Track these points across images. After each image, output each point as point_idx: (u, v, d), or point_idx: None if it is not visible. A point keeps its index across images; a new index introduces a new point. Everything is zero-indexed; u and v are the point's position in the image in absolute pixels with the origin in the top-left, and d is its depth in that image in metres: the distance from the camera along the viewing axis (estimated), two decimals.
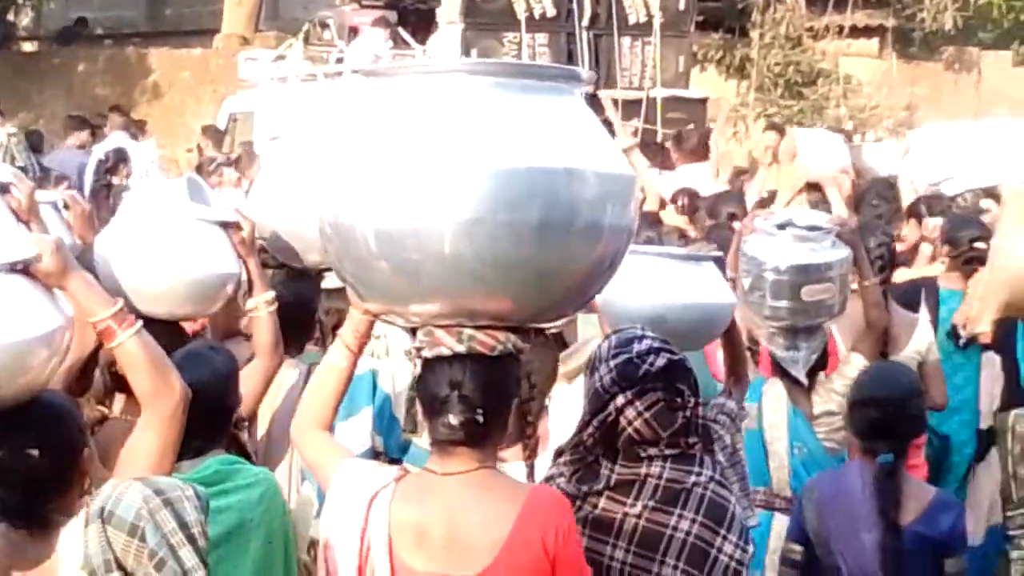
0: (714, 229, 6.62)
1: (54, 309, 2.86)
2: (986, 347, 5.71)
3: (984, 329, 5.55)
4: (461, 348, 2.75)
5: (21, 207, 3.91)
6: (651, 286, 4.01)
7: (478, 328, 2.77)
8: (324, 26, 13.27)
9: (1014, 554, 5.14)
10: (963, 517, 4.16)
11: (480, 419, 2.80)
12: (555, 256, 2.72)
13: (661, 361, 3.21)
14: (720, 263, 4.57)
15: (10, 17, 19.41)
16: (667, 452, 3.28)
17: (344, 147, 3.02)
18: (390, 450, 4.42)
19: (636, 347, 3.28)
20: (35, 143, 11.86)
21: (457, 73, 2.85)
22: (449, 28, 11.09)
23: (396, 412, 4.26)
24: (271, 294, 4.27)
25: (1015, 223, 4.94)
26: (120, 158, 10.97)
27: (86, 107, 14.81)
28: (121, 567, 2.62)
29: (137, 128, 13.39)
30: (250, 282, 4.34)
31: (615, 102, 10.72)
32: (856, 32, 15.51)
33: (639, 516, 3.25)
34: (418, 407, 2.94)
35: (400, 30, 12.32)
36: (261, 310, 4.25)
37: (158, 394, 3.02)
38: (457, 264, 2.66)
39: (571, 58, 11.23)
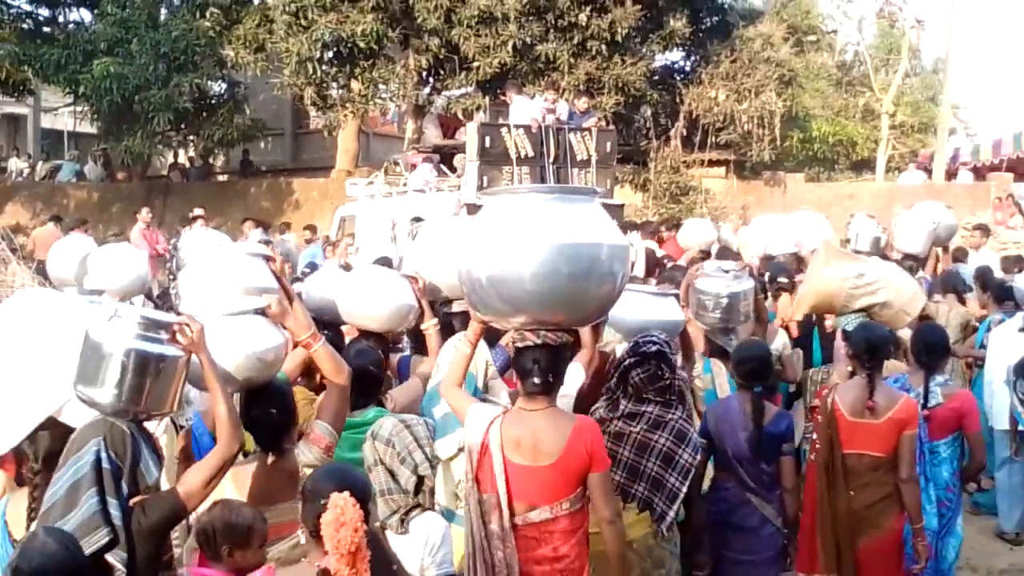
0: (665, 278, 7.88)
1: (278, 334, 3.97)
2: (797, 340, 7.22)
3: (798, 318, 7.14)
4: (539, 341, 3.79)
5: (278, 270, 4.44)
6: (638, 309, 5.17)
7: (548, 330, 3.82)
8: (396, 163, 16.37)
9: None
10: (791, 422, 5.33)
11: (550, 380, 3.86)
12: (590, 291, 3.79)
13: (653, 348, 4.49)
14: (676, 297, 5.75)
15: (211, 160, 24.61)
16: (656, 399, 4.48)
17: (472, 229, 4.12)
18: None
19: (643, 339, 4.54)
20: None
21: (532, 192, 4.10)
22: (471, 164, 13.85)
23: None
24: (435, 320, 5.44)
25: (819, 263, 6.43)
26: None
27: (255, 215, 18.60)
28: (382, 463, 3.78)
29: (281, 229, 17.30)
30: (421, 312, 5.48)
31: None
32: (712, 163, 20.54)
33: (638, 433, 4.47)
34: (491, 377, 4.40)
35: (441, 165, 15.31)
36: (431, 330, 5.40)
37: (337, 375, 4.09)
38: (537, 296, 3.70)
39: (543, 180, 13.63)
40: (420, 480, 3.82)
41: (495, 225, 3.84)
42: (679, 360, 5.04)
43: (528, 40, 17.80)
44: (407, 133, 19.96)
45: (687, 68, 21.61)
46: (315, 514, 3.01)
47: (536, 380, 3.79)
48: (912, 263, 9.36)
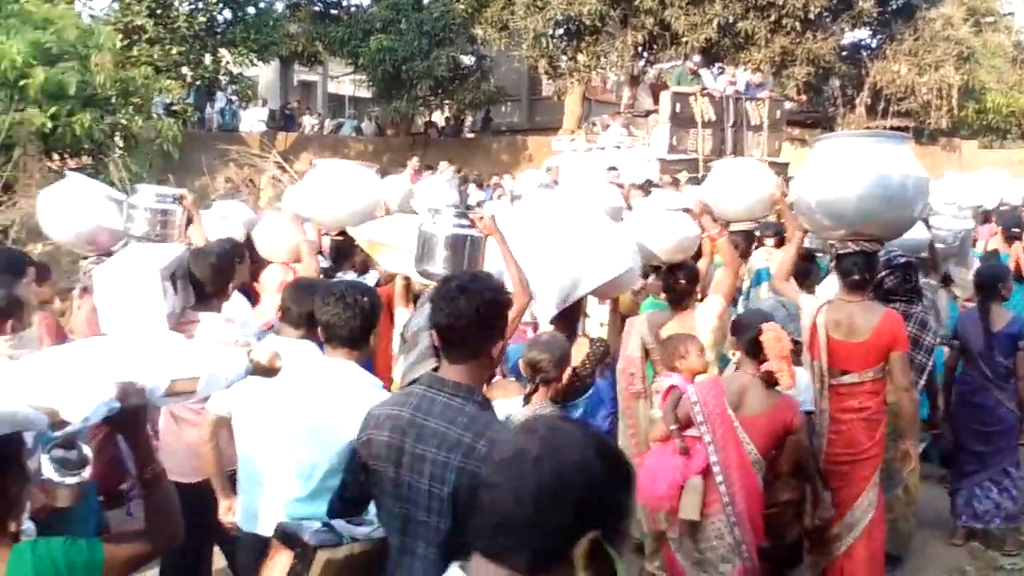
0: None
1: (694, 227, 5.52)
2: None
3: None
4: (857, 248, 4.69)
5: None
6: (913, 232, 5.62)
7: (864, 240, 4.69)
8: (593, 124, 19.56)
9: None
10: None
11: (865, 278, 4.72)
12: (899, 212, 4.61)
13: (903, 260, 5.56)
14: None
15: (460, 120, 28.07)
16: (902, 298, 5.48)
17: (809, 165, 4.87)
18: None
19: (893, 254, 5.55)
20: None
21: (857, 136, 5.17)
22: (662, 126, 16.46)
23: None
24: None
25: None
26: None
27: (498, 168, 22.10)
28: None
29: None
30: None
31: None
32: (892, 129, 19.19)
33: (916, 314, 5.50)
34: None
35: (630, 127, 18.16)
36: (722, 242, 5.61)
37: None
38: (858, 215, 4.53)
39: (723, 143, 16.13)
40: None
41: (826, 160, 4.71)
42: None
43: (730, 18, 20.25)
44: (623, 99, 22.84)
45: (873, 44, 23.44)
46: (752, 337, 4.38)
47: (856, 278, 4.72)
48: None
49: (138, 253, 4.61)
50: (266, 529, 3.00)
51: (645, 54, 22.50)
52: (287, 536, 2.59)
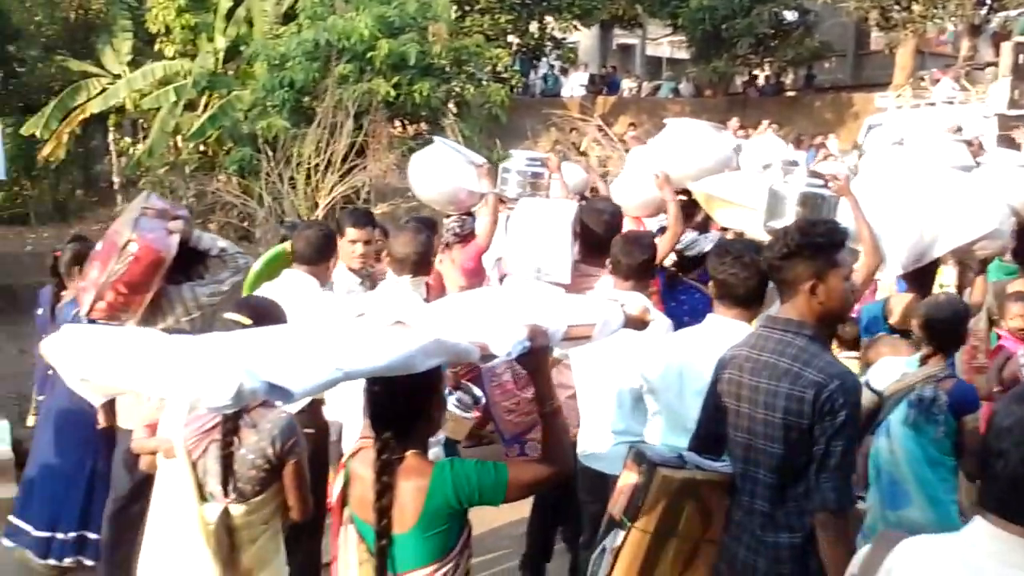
0: None
1: None
2: None
3: None
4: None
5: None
6: None
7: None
8: (921, 79, 18.14)
9: None
10: None
11: None
12: None
13: None
14: None
15: (781, 78, 27.72)
16: None
17: None
18: None
19: None
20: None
21: None
22: (1003, 79, 15.52)
23: None
24: None
25: None
26: None
27: (821, 127, 21.70)
28: None
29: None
30: None
31: None
32: None
33: None
34: None
35: (962, 80, 17.04)
36: None
37: None
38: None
39: None
40: None
41: None
42: None
43: None
44: (961, 51, 21.43)
45: None
46: None
47: None
48: None
49: (549, 204, 5.14)
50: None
51: (988, 1, 20.88)
52: (638, 455, 2.94)
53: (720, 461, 2.96)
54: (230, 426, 3.09)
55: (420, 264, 4.59)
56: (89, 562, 5.25)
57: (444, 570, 2.55)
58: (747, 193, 5.22)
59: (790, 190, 4.65)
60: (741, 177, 5.83)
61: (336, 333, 2.54)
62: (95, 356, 2.34)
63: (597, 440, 4.08)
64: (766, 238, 4.59)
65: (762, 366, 2.81)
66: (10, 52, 16.35)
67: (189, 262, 4.70)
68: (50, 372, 5.01)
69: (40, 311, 5.89)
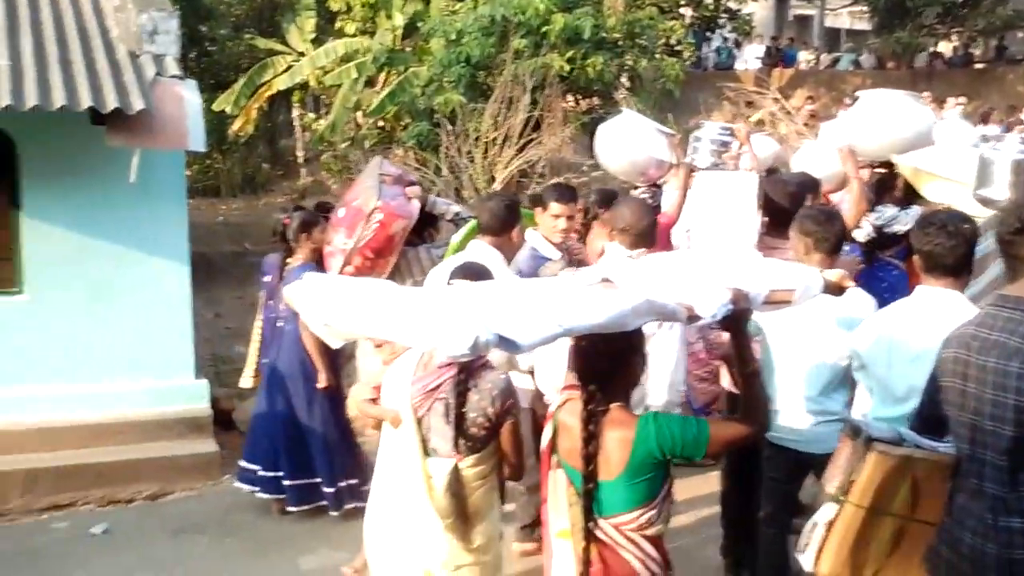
0: None
1: None
2: None
3: None
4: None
5: None
6: None
7: None
8: None
9: None
10: None
11: None
12: None
13: None
14: None
15: (970, 49, 26.41)
16: None
17: None
18: None
19: None
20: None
21: None
22: None
23: None
24: None
25: None
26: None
27: (1011, 101, 20.40)
28: None
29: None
30: None
31: None
32: None
33: None
34: None
35: None
36: None
37: None
38: None
39: None
40: None
41: None
42: None
43: None
44: None
45: None
46: None
47: None
48: None
49: (731, 177, 5.16)
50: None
51: None
52: (854, 430, 2.90)
53: (942, 442, 2.85)
54: (462, 387, 3.27)
55: (647, 236, 4.64)
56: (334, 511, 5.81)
57: (649, 515, 2.74)
58: (958, 167, 5.02)
59: (1001, 157, 4.51)
60: (951, 150, 5.61)
61: (556, 291, 2.68)
62: (339, 304, 2.54)
63: (795, 419, 4.03)
64: (975, 213, 4.47)
65: (991, 345, 2.68)
66: (202, 32, 17.24)
67: (422, 224, 5.03)
68: (280, 325, 5.56)
69: (267, 277, 6.22)
